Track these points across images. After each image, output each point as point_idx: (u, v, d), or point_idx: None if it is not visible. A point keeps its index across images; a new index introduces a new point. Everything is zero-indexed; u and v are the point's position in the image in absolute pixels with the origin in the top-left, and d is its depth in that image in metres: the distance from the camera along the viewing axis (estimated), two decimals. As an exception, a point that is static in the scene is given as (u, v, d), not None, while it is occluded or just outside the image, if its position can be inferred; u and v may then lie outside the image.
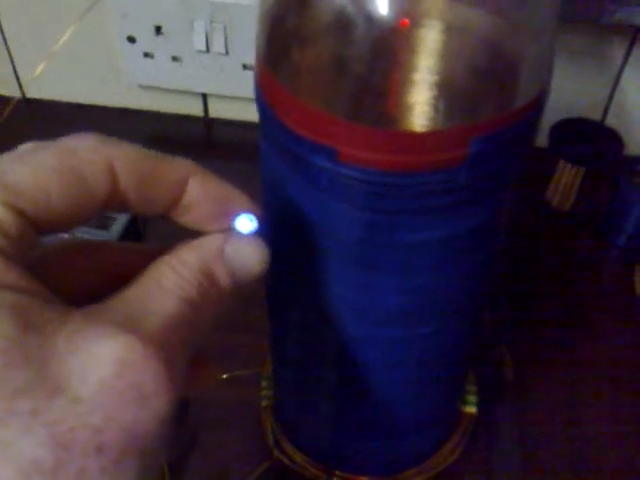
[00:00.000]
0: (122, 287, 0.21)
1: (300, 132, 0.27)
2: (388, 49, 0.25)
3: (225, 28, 0.62)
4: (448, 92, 0.25)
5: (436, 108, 0.25)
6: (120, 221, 0.57)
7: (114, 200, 0.22)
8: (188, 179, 0.23)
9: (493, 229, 0.31)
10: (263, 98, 0.28)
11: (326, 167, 0.27)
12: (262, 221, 0.24)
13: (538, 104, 0.27)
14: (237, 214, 0.24)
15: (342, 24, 0.25)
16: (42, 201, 0.20)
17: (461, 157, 0.26)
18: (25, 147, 0.22)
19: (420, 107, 0.25)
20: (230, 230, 0.23)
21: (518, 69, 0.27)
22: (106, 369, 0.18)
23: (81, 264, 0.24)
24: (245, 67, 0.65)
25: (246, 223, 0.24)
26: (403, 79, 0.25)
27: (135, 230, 0.59)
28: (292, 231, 0.31)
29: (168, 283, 0.21)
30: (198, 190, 0.23)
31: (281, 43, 0.27)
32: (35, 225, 0.20)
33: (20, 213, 0.20)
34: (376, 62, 0.25)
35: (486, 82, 0.26)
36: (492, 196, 0.29)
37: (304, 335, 0.35)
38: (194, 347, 0.21)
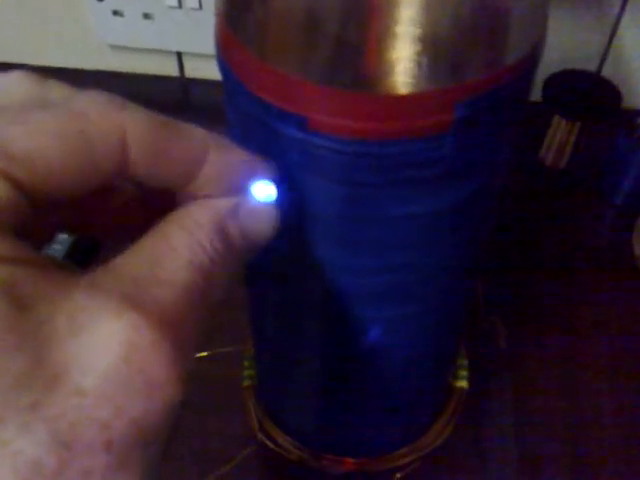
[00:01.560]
0: (130, 244, 0.19)
1: (266, 98, 0.24)
2: (363, 0, 0.22)
3: (198, -19, 0.59)
4: (430, 48, 0.22)
5: (417, 67, 0.22)
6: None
7: (123, 173, 0.19)
8: (206, 154, 0.21)
9: (486, 200, 0.28)
10: (224, 60, 0.25)
11: (296, 137, 0.24)
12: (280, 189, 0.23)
13: (532, 61, 0.24)
14: (256, 181, 0.23)
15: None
16: (40, 168, 0.18)
17: (446, 123, 0.23)
18: (24, 102, 0.19)
19: (399, 67, 0.22)
20: (245, 194, 0.22)
21: (509, 18, 0.23)
22: (112, 353, 0.16)
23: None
24: (221, 23, 0.61)
25: (263, 190, 0.23)
26: (379, 34, 0.22)
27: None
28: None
29: (180, 246, 0.19)
30: (218, 165, 0.21)
31: (242, -3, 0.24)
32: (29, 194, 0.18)
33: (11, 179, 0.17)
34: (348, 15, 0.22)
35: (474, 35, 0.23)
36: (483, 165, 0.26)
37: (284, 315, 0.33)
38: (206, 319, 0.20)
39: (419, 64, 0.22)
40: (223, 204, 0.21)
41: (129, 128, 0.19)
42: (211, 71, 0.68)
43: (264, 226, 0.23)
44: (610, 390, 0.47)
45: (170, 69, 0.67)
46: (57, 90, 0.20)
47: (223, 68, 0.26)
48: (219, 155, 0.21)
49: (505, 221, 0.55)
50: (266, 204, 0.23)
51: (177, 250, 0.19)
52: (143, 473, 0.17)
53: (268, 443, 0.41)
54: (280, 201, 0.23)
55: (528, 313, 0.50)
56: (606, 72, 0.62)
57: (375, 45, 0.22)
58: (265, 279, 0.32)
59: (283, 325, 0.34)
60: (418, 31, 0.22)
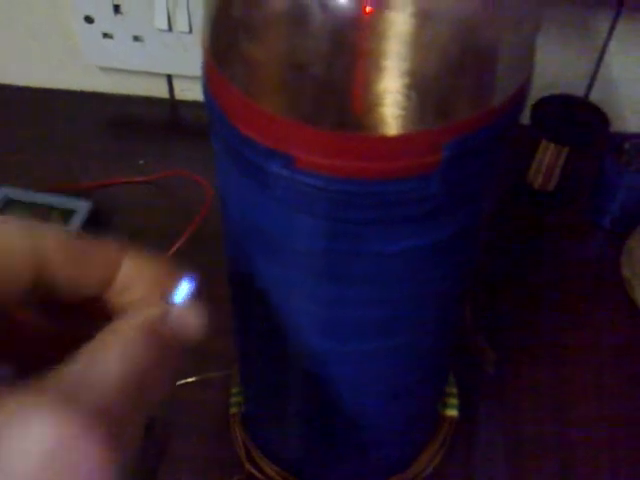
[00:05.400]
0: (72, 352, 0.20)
1: (252, 136, 0.24)
2: (350, 41, 0.22)
3: (188, 5, 0.59)
4: (418, 89, 0.22)
5: (404, 108, 0.22)
6: (79, 214, 0.54)
7: (41, 285, 0.21)
8: (120, 261, 0.23)
9: (472, 235, 0.28)
10: (211, 96, 0.25)
11: (282, 174, 0.24)
12: (199, 284, 0.24)
13: (519, 100, 0.24)
14: (175, 283, 0.23)
15: (297, 12, 0.22)
16: None
17: (433, 163, 0.23)
18: None
19: (387, 108, 0.22)
20: (169, 297, 0.23)
21: (496, 60, 0.24)
22: (40, 449, 0.17)
23: None
24: (211, 46, 0.61)
25: (184, 288, 0.23)
26: (367, 75, 0.22)
27: (96, 223, 0.55)
28: (249, 241, 0.28)
29: (113, 346, 0.20)
30: (132, 271, 0.23)
31: (229, 35, 0.24)
32: None
33: None
34: (336, 56, 0.22)
35: (460, 77, 0.23)
36: (469, 202, 0.26)
37: (270, 348, 0.33)
38: (148, 410, 0.21)
39: (406, 105, 0.22)
40: (152, 312, 0.22)
41: (42, 244, 0.21)
42: (200, 93, 0.68)
43: (193, 327, 0.23)
44: (599, 414, 0.47)
45: (160, 91, 0.67)
46: None
47: (209, 103, 0.26)
48: (133, 261, 0.23)
49: (493, 244, 0.56)
50: (192, 306, 0.23)
51: (110, 350, 0.20)
52: None
53: (255, 473, 0.40)
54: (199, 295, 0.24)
55: (517, 337, 0.50)
56: (594, 97, 0.62)
57: (363, 86, 0.22)
58: (250, 313, 0.32)
59: (269, 359, 0.34)
60: (405, 73, 0.22)
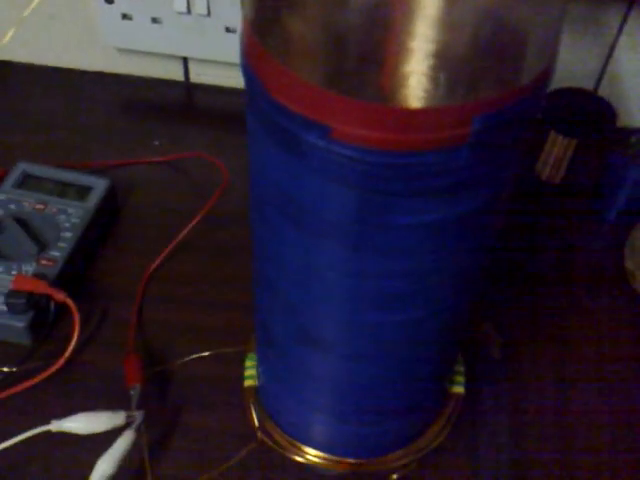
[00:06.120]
0: None
1: (291, 107, 0.25)
2: (385, 16, 0.23)
3: (207, -12, 0.60)
4: (450, 65, 0.24)
5: (437, 83, 0.24)
6: (97, 191, 0.55)
7: None
8: None
9: (495, 210, 0.29)
10: (250, 68, 0.26)
11: (318, 145, 0.25)
12: None
13: (545, 79, 0.25)
14: None
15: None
16: None
17: (462, 136, 0.24)
18: None
19: (420, 82, 0.24)
20: None
21: (526, 40, 0.25)
22: None
23: None
24: (228, 30, 0.62)
25: None
26: (401, 50, 0.24)
27: (112, 200, 0.56)
28: (280, 211, 0.29)
29: None
30: None
31: (270, 8, 0.25)
32: None
33: None
34: (372, 30, 0.24)
35: (491, 54, 0.24)
36: (495, 176, 0.27)
37: (291, 319, 0.34)
38: None
39: (439, 80, 0.23)
40: None
41: None
42: (215, 76, 0.69)
43: None
44: (602, 396, 0.48)
45: (176, 73, 0.68)
46: None
47: (248, 75, 0.27)
48: None
49: (500, 233, 0.57)
50: None
51: None
52: None
53: (268, 441, 0.41)
54: None
55: (522, 326, 0.52)
56: (602, 91, 0.64)
57: (398, 60, 0.23)
58: (274, 284, 0.33)
59: (289, 330, 0.35)
60: (439, 49, 0.23)
